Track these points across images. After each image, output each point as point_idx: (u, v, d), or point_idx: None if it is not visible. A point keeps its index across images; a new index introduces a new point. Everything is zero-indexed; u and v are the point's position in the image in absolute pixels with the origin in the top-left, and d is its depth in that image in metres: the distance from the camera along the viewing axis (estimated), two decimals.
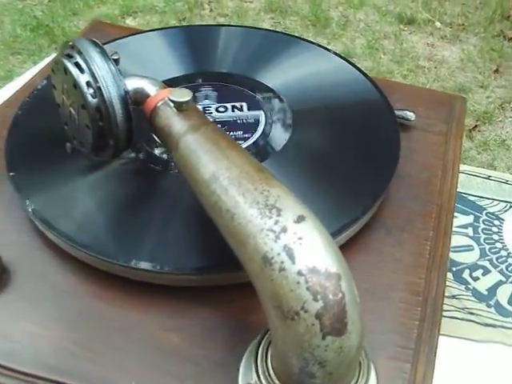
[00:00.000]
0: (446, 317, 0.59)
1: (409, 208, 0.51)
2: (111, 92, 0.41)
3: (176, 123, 0.42)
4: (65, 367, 0.40)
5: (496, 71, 1.84)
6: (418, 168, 0.55)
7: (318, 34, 1.98)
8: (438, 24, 2.04)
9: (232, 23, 2.02)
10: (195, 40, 0.63)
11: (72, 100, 0.43)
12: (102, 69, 0.41)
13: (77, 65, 0.42)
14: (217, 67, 0.60)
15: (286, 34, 0.66)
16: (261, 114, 0.54)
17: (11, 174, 0.49)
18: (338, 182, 0.50)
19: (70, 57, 0.42)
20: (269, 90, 0.57)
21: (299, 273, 0.32)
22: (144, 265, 0.42)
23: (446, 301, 0.48)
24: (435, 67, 1.87)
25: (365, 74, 0.59)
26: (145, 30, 0.65)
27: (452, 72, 1.85)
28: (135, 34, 0.63)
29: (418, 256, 0.47)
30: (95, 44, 0.43)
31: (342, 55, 0.62)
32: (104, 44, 0.44)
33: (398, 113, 0.57)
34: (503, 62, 1.88)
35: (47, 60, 1.18)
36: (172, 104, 0.42)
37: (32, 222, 0.48)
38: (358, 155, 0.52)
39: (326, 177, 0.50)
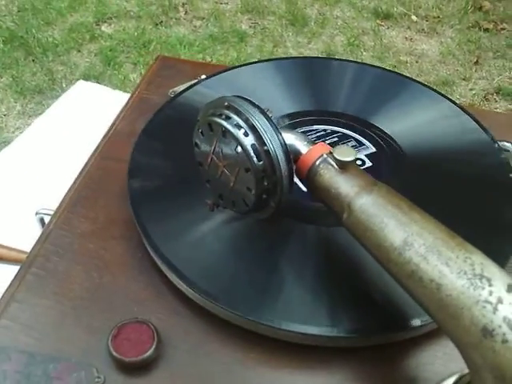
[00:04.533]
0: None
1: None
2: (278, 154, 0.39)
3: (343, 184, 0.40)
4: None
5: (476, 63, 1.88)
6: None
7: (297, 33, 1.97)
8: (414, 18, 2.06)
9: (209, 26, 1.98)
10: (287, 73, 0.62)
11: (228, 162, 0.41)
12: (267, 131, 0.39)
13: (238, 126, 0.39)
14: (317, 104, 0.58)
15: (399, 74, 0.65)
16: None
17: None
18: None
19: (227, 118, 0.40)
20: (382, 132, 0.56)
21: None
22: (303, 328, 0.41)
23: None
24: (416, 61, 1.90)
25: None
26: (231, 66, 0.63)
27: (433, 66, 1.88)
28: (227, 70, 0.60)
29: None
30: (253, 103, 0.40)
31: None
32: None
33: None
34: (482, 53, 1.91)
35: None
36: (333, 162, 0.41)
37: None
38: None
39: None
